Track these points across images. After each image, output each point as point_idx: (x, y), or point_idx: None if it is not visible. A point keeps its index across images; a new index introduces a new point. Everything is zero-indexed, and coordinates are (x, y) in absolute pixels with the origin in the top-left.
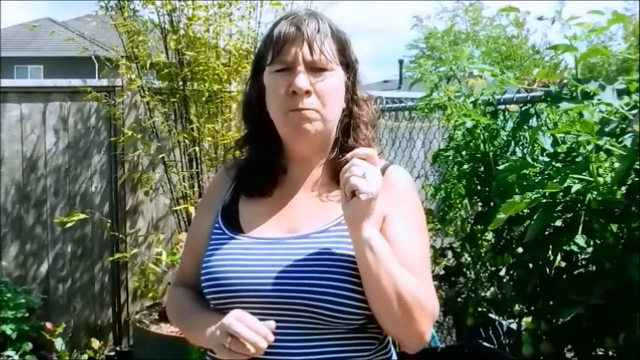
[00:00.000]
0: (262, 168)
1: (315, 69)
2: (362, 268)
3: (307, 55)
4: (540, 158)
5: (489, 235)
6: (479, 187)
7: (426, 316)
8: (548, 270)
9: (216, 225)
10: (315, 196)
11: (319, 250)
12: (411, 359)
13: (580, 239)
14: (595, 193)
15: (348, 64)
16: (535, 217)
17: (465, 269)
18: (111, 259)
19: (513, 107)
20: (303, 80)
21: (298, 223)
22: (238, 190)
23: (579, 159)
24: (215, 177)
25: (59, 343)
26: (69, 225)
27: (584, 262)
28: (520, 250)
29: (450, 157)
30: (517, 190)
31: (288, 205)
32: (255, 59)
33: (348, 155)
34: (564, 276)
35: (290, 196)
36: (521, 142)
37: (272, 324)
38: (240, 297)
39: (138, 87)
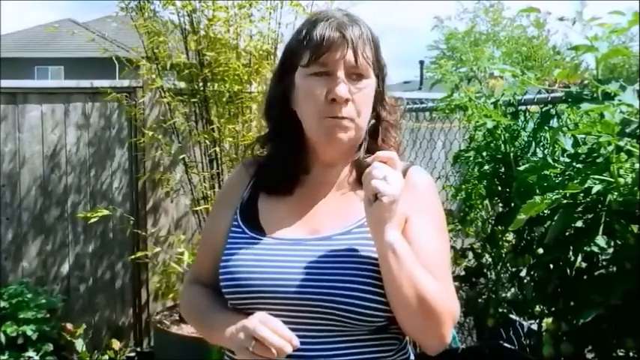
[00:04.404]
0: (285, 167)
1: (353, 75)
2: (384, 270)
3: (350, 62)
4: (561, 159)
5: (510, 236)
6: (499, 188)
7: (447, 318)
8: (568, 271)
9: (235, 223)
10: (337, 197)
11: (342, 252)
12: (433, 359)
13: (601, 240)
14: (616, 193)
15: (380, 69)
16: (556, 218)
17: (485, 270)
18: (132, 257)
19: (534, 108)
20: (344, 88)
21: (320, 225)
22: (257, 188)
23: (600, 160)
24: (234, 173)
25: (80, 344)
26: (92, 221)
27: (604, 263)
28: (541, 250)
29: (471, 158)
30: (538, 190)
31: (309, 206)
32: (288, 57)
33: (370, 159)
34: (585, 277)
35: (312, 196)
36: (541, 143)
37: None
38: (262, 298)
39: (158, 87)
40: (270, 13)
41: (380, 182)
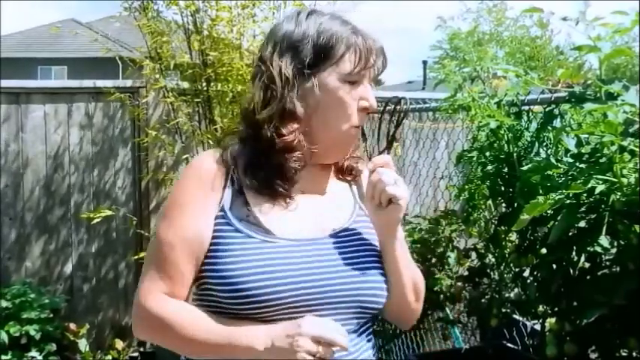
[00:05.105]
0: (287, 167)
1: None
2: (392, 261)
3: (377, 71)
4: (564, 159)
5: (513, 236)
6: (503, 188)
7: (423, 296)
8: (572, 271)
9: (229, 227)
10: (323, 193)
11: (353, 247)
12: (436, 359)
13: (604, 240)
14: (619, 194)
15: None
16: (559, 218)
17: (488, 270)
18: (135, 257)
19: (537, 108)
20: (374, 99)
21: (321, 222)
22: (241, 188)
23: (603, 160)
24: (201, 176)
25: (83, 344)
26: (95, 221)
27: (607, 263)
28: (544, 250)
29: (474, 158)
30: (541, 190)
31: (305, 204)
32: (318, 56)
33: (370, 165)
34: (588, 277)
35: (304, 194)
36: (545, 143)
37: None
38: (295, 303)
39: (161, 87)
40: (274, 13)
41: (394, 188)
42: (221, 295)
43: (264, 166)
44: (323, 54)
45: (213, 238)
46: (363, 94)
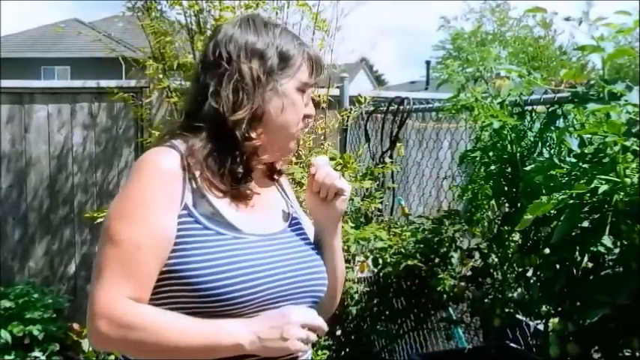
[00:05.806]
0: (250, 168)
1: None
2: (332, 254)
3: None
4: (567, 159)
5: (516, 236)
6: (506, 188)
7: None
8: (575, 271)
9: (197, 226)
10: (265, 192)
11: (303, 240)
12: (439, 359)
13: (607, 240)
14: (622, 194)
15: None
16: (562, 218)
17: (492, 270)
18: None
19: (540, 108)
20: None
21: (275, 217)
22: (200, 186)
23: (606, 160)
24: (161, 169)
25: (86, 344)
26: (99, 221)
27: (610, 263)
28: (547, 250)
29: (477, 158)
30: (544, 191)
31: (258, 201)
32: (284, 66)
33: (313, 167)
34: (591, 277)
35: (254, 191)
36: (548, 143)
37: None
38: (270, 296)
39: (165, 87)
40: (277, 13)
41: (341, 181)
42: (192, 294)
43: (231, 167)
44: (286, 63)
45: (179, 237)
46: (307, 102)
